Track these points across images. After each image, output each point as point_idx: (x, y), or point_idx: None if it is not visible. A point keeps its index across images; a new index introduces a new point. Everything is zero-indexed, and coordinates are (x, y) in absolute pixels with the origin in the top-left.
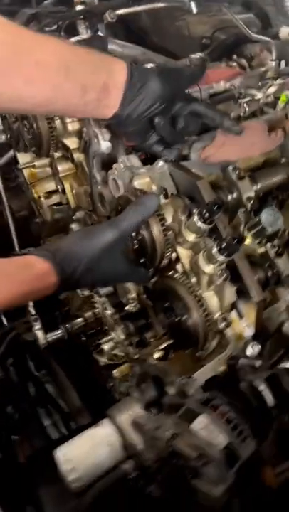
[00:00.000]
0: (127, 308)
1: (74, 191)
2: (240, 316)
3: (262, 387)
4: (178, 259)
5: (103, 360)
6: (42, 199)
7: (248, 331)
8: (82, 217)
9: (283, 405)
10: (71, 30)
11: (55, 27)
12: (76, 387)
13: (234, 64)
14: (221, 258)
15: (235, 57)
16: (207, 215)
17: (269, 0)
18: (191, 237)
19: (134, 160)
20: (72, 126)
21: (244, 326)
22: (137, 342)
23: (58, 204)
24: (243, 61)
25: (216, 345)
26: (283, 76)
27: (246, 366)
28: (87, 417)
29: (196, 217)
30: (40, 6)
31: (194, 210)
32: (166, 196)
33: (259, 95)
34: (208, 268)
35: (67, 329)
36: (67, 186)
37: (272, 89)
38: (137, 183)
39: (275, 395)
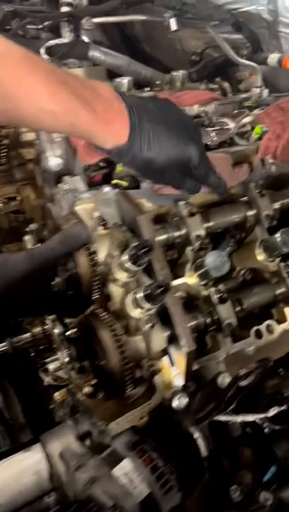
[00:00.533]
0: (67, 333)
1: (29, 203)
2: (172, 363)
3: (197, 435)
4: (109, 297)
5: (47, 379)
6: (0, 205)
7: (178, 380)
8: (35, 229)
9: (216, 457)
10: (56, 31)
11: (40, 26)
12: (22, 403)
13: (215, 86)
14: (146, 305)
15: (218, 79)
16: (135, 256)
17: (263, 23)
18: (121, 276)
19: (79, 183)
20: (27, 136)
21: (174, 374)
22: (78, 368)
23: (17, 212)
24: (226, 84)
25: (144, 392)
26: (262, 106)
27: (183, 411)
28: (28, 434)
29: (125, 257)
30: (26, 3)
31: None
32: (105, 226)
33: (231, 125)
34: (134, 312)
35: (13, 343)
36: (24, 196)
37: (247, 119)
38: (79, 208)
39: (208, 446)
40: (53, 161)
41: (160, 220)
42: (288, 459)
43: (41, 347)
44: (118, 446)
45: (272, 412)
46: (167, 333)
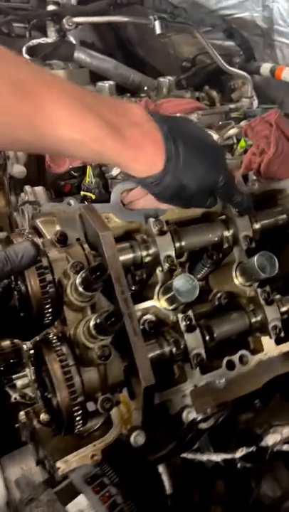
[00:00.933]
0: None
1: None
2: (131, 397)
3: (161, 469)
4: (64, 321)
5: (15, 396)
6: None
7: (138, 415)
8: (3, 238)
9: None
10: (40, 29)
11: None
12: None
13: (203, 95)
14: (99, 336)
15: (206, 87)
16: (86, 281)
17: (258, 30)
18: (76, 301)
19: (41, 193)
20: None
21: (133, 408)
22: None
23: None
24: (214, 93)
25: (100, 426)
26: (249, 118)
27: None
28: None
29: (78, 280)
30: (13, 0)
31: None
32: (64, 243)
33: (215, 137)
34: (88, 343)
35: None
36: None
37: (232, 131)
38: (39, 221)
39: (175, 482)
40: (18, 168)
41: (129, 237)
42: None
43: (11, 361)
44: (75, 479)
45: (240, 453)
46: (125, 364)
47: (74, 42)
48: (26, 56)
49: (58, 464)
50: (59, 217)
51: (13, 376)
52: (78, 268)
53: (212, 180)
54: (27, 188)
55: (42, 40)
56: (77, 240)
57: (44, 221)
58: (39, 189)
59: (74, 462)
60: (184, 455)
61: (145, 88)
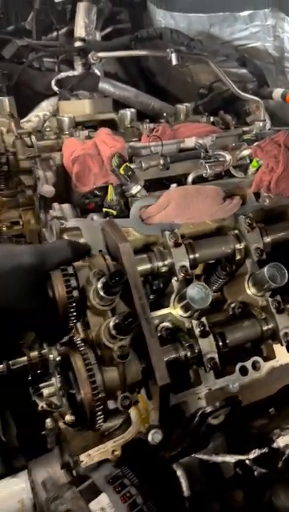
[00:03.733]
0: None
1: (29, 227)
2: (148, 397)
3: (179, 473)
4: (87, 324)
5: (41, 404)
6: (4, 228)
7: (154, 415)
8: None
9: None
10: (68, 64)
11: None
12: (18, 427)
13: (217, 119)
14: (119, 336)
15: (221, 112)
16: (106, 285)
17: (270, 58)
18: (98, 305)
19: (68, 210)
20: (24, 163)
21: (151, 408)
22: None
23: (20, 236)
24: (228, 118)
25: (120, 424)
26: (261, 139)
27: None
28: (21, 460)
29: (99, 284)
30: (44, 38)
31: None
32: (88, 253)
33: (228, 158)
34: (108, 343)
35: (9, 365)
36: (26, 220)
37: (245, 153)
38: (66, 234)
39: (191, 486)
40: (47, 188)
41: (147, 249)
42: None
43: (39, 371)
44: (97, 479)
45: (253, 455)
46: (143, 365)
47: (98, 74)
48: (55, 88)
49: (82, 457)
50: (83, 231)
51: (41, 385)
52: (100, 275)
53: None
54: (55, 205)
55: (70, 73)
56: (100, 251)
57: (70, 235)
58: (66, 206)
59: (96, 456)
60: (199, 456)
61: (164, 114)
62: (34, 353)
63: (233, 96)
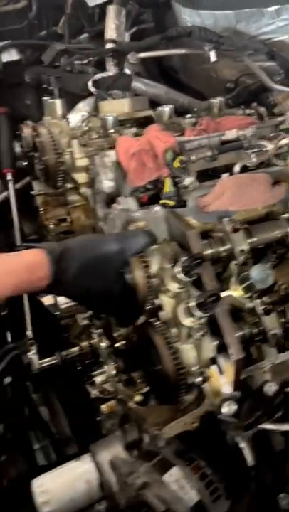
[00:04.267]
0: (116, 345)
1: (80, 223)
2: (220, 372)
3: (243, 445)
4: (160, 307)
5: (94, 392)
6: (51, 226)
7: (227, 388)
8: None
9: (263, 467)
10: (100, 65)
11: (86, 61)
12: (68, 416)
13: (252, 111)
14: (198, 313)
15: (254, 104)
16: (187, 268)
17: None
18: (173, 287)
19: (132, 202)
20: (81, 162)
21: (223, 382)
22: (126, 380)
23: (66, 232)
24: (262, 109)
25: (194, 400)
26: None
27: (229, 421)
28: (74, 447)
29: (177, 269)
30: (74, 41)
31: (180, 260)
32: (155, 242)
33: (269, 147)
34: (186, 321)
35: (62, 356)
36: (75, 217)
37: (284, 141)
38: (132, 226)
39: (255, 456)
40: (107, 183)
41: (205, 236)
42: None
43: (87, 361)
44: (167, 454)
45: None
46: (216, 342)
47: (130, 73)
48: (92, 89)
49: (165, 429)
50: (148, 221)
51: (93, 373)
52: (173, 260)
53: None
54: (120, 198)
55: (104, 74)
56: (164, 239)
57: (137, 225)
58: (130, 199)
59: (178, 427)
60: (265, 426)
61: (195, 109)
62: (84, 343)
63: (258, 89)
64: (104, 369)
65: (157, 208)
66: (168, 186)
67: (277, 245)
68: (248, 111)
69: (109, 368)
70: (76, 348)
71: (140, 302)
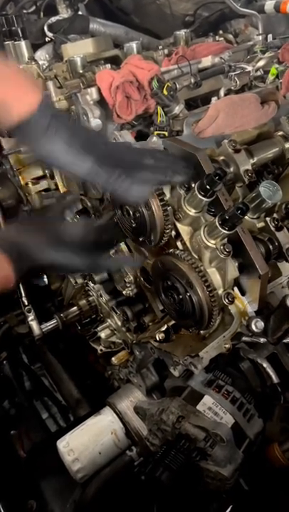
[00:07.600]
0: (124, 292)
1: (63, 176)
2: (243, 293)
3: (265, 364)
4: (177, 236)
5: (100, 348)
6: (30, 186)
7: (252, 307)
8: (72, 200)
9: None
10: (51, 11)
11: (33, 8)
12: (73, 379)
13: (221, 39)
14: (223, 231)
15: (221, 32)
16: (208, 187)
17: None
18: (191, 212)
19: (128, 136)
20: (61, 104)
21: (247, 302)
22: (135, 327)
23: (47, 190)
24: (230, 36)
25: (219, 323)
26: (272, 49)
27: (247, 345)
28: (86, 408)
29: (196, 191)
30: None
31: (193, 184)
32: None
33: (249, 68)
34: (210, 243)
35: (62, 319)
36: (55, 171)
37: (261, 63)
38: None
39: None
40: (95, 122)
41: None
42: None
43: (84, 321)
44: (195, 386)
45: None
46: (238, 262)
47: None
48: (49, 33)
49: (201, 353)
50: None
51: (97, 329)
52: (186, 186)
53: None
54: (116, 132)
55: (59, 16)
56: None
57: None
58: (125, 132)
59: (213, 351)
60: None
61: (160, 47)
62: (83, 302)
63: (219, 19)
64: (107, 323)
65: (155, 139)
66: (160, 115)
67: (273, 165)
68: (217, 38)
69: (115, 320)
70: (75, 308)
71: (159, 234)
